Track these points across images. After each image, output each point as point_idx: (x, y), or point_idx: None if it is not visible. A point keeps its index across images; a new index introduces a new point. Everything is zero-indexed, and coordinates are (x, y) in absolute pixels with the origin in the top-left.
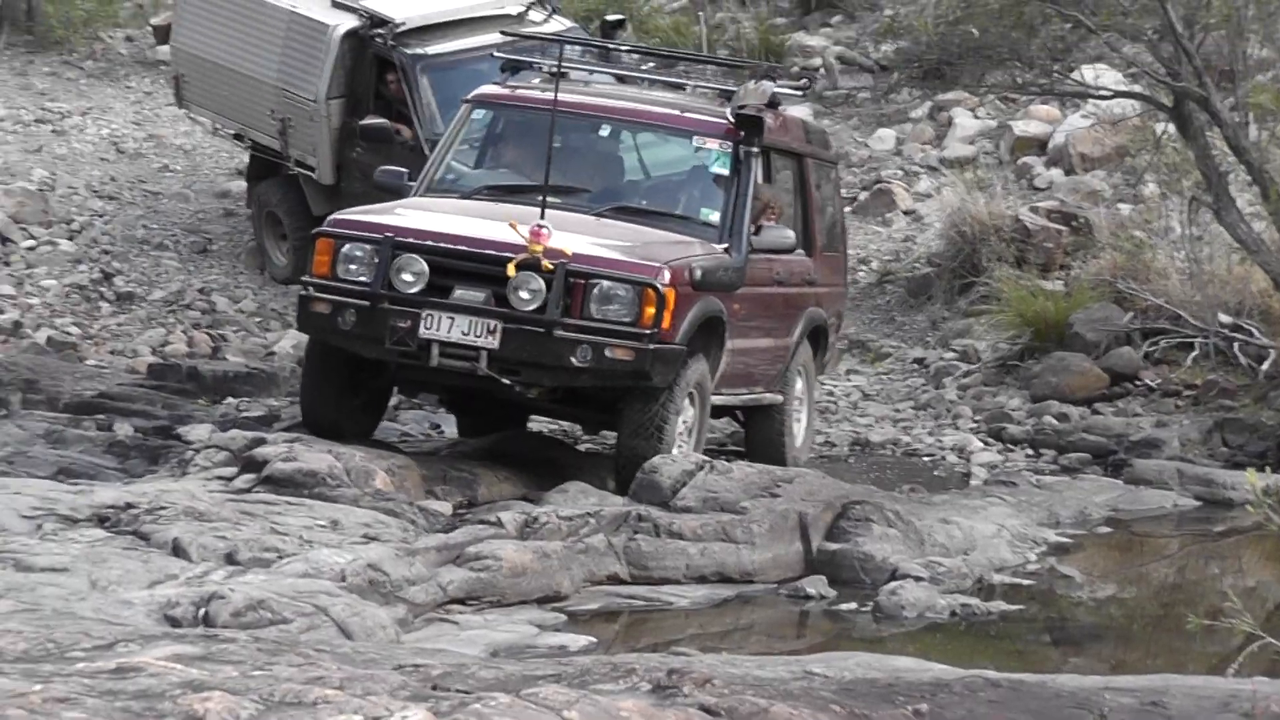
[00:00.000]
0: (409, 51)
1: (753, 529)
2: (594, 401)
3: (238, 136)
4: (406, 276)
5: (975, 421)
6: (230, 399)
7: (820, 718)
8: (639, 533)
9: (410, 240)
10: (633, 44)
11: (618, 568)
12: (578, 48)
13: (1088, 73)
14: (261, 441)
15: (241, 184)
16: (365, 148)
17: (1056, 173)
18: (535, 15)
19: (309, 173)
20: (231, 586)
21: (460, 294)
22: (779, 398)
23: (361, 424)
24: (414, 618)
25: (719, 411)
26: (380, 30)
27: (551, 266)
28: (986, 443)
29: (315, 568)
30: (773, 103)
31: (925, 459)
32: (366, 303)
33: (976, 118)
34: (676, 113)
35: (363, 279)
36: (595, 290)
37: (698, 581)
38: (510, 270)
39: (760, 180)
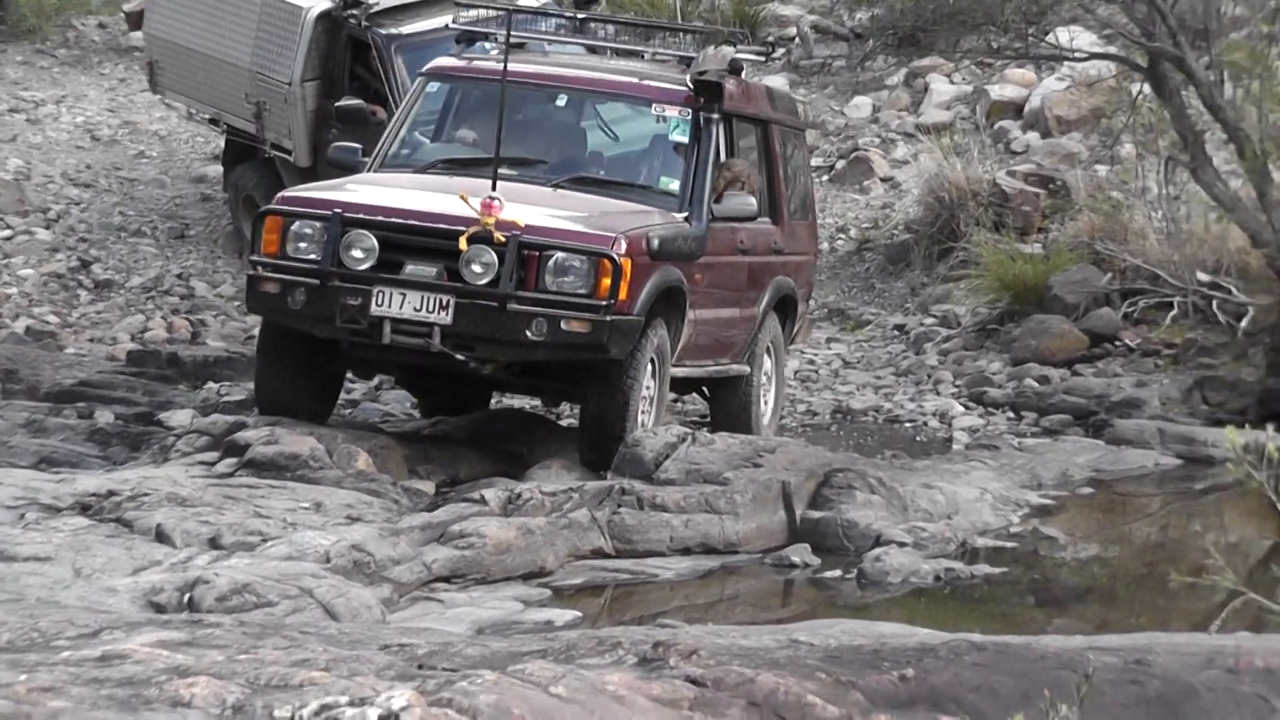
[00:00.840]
0: (383, 32)
1: (736, 499)
2: (553, 374)
3: (213, 121)
4: (356, 253)
5: (956, 386)
6: (210, 384)
7: (806, 685)
8: (622, 506)
9: (359, 216)
10: (591, 13)
11: (602, 542)
12: (540, 19)
13: (1062, 35)
14: (242, 425)
15: (218, 168)
16: (341, 129)
17: (1033, 136)
18: None
19: (285, 155)
20: (216, 571)
21: (411, 269)
22: (746, 369)
23: (317, 407)
24: (399, 597)
25: (685, 386)
26: (354, 11)
27: (504, 239)
28: (968, 407)
29: (299, 550)
30: (735, 69)
31: (907, 425)
32: (316, 281)
33: (952, 83)
34: (635, 80)
35: (312, 257)
36: (550, 262)
37: (682, 553)
38: (462, 244)
39: (722, 147)
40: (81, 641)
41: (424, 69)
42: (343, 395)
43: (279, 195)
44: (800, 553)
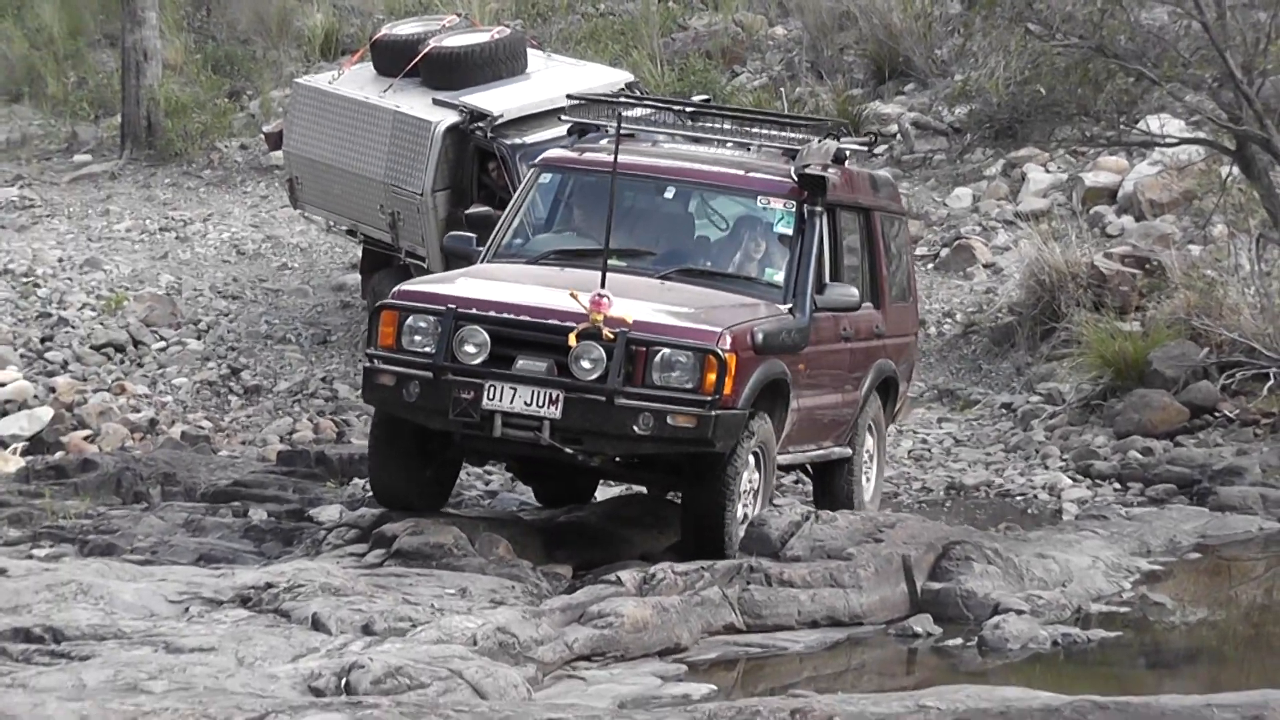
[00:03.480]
0: (508, 142)
1: (859, 573)
2: (659, 465)
3: (350, 232)
4: (469, 348)
5: (1064, 460)
6: (356, 480)
7: None
8: (751, 583)
9: (472, 311)
10: (697, 104)
11: (733, 618)
12: (648, 111)
13: (1153, 122)
14: (389, 518)
15: (356, 277)
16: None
17: (1127, 219)
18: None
19: (419, 263)
20: (370, 656)
21: (522, 364)
22: (848, 451)
23: (432, 495)
24: (543, 676)
25: (788, 467)
26: (480, 123)
27: (612, 335)
28: (1076, 479)
29: (448, 634)
30: (839, 158)
31: (1018, 499)
32: (430, 374)
33: (1048, 172)
34: (741, 173)
35: (427, 350)
36: (657, 357)
37: (810, 626)
38: (572, 340)
39: (825, 239)
40: None
41: (536, 160)
42: (481, 485)
43: (395, 289)
44: (922, 623)
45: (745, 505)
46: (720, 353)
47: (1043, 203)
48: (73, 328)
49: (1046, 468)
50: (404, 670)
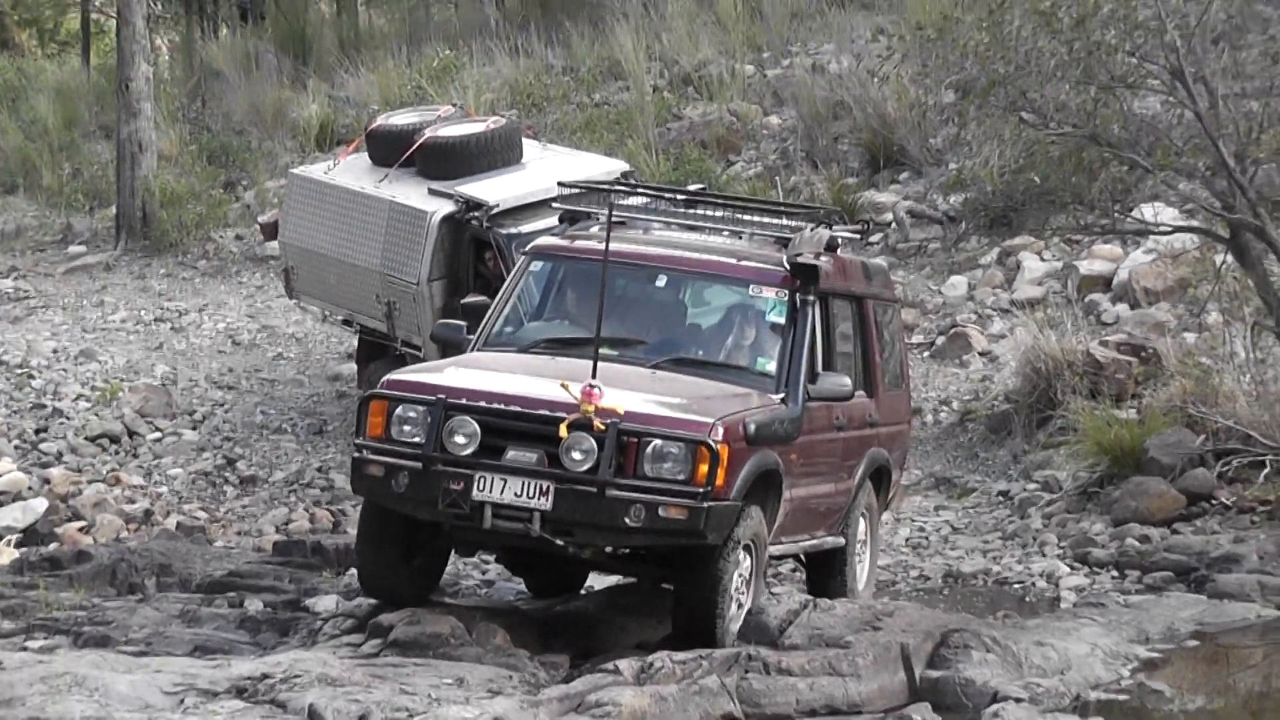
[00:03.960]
0: (504, 232)
1: (858, 662)
2: (650, 557)
3: (346, 322)
4: (459, 438)
5: (1061, 548)
6: (353, 569)
7: None
8: (750, 671)
9: (463, 401)
10: (691, 192)
11: (731, 706)
12: (639, 199)
13: (1147, 211)
14: (385, 608)
15: (352, 366)
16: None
17: (1122, 307)
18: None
19: (415, 352)
20: None
21: (513, 455)
22: (840, 540)
23: (419, 586)
24: None
25: (781, 557)
26: (475, 213)
27: (604, 426)
28: (1073, 567)
29: None
30: (831, 246)
31: (1016, 586)
32: (420, 464)
33: (1043, 260)
34: (733, 261)
35: (416, 440)
36: (649, 448)
37: (808, 715)
38: (563, 431)
39: (818, 327)
40: None
41: (527, 248)
42: (478, 574)
43: (384, 379)
44: (921, 711)
45: (739, 595)
46: (713, 444)
47: (1038, 290)
48: (67, 419)
49: (1044, 555)
50: None
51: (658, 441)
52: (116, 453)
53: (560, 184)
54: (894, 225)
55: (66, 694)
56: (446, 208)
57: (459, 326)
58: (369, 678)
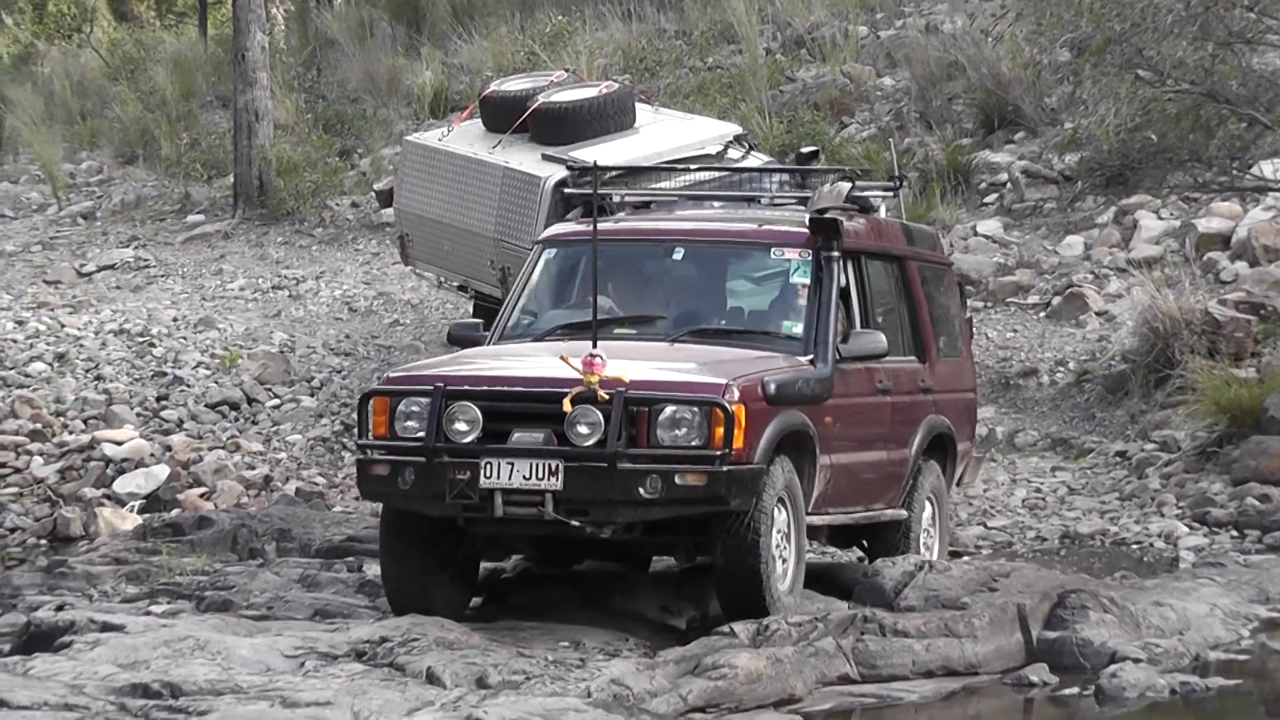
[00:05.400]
0: (615, 198)
1: (974, 623)
2: (680, 531)
3: (461, 288)
4: (460, 425)
5: (1179, 508)
6: None
7: None
8: (865, 634)
9: (463, 387)
10: (703, 164)
11: (847, 668)
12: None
13: (1266, 167)
14: (502, 571)
15: None
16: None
17: (1241, 265)
18: (733, 153)
19: None
20: (485, 709)
21: (518, 437)
22: (903, 513)
23: (453, 599)
24: None
25: (844, 539)
26: (587, 179)
27: (607, 396)
28: (1192, 527)
29: (562, 687)
30: (866, 207)
31: (1134, 547)
32: (423, 458)
33: (1160, 219)
34: (753, 227)
35: (420, 435)
36: (660, 416)
37: (924, 677)
38: (566, 405)
39: (851, 285)
40: None
41: (540, 237)
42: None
43: (384, 375)
44: (1038, 672)
45: (781, 552)
46: (727, 405)
47: (1155, 249)
48: (188, 386)
49: (1162, 515)
50: None
51: (670, 408)
52: (236, 419)
53: (570, 168)
54: (1009, 186)
55: (189, 657)
56: (559, 173)
57: (475, 325)
58: (486, 641)
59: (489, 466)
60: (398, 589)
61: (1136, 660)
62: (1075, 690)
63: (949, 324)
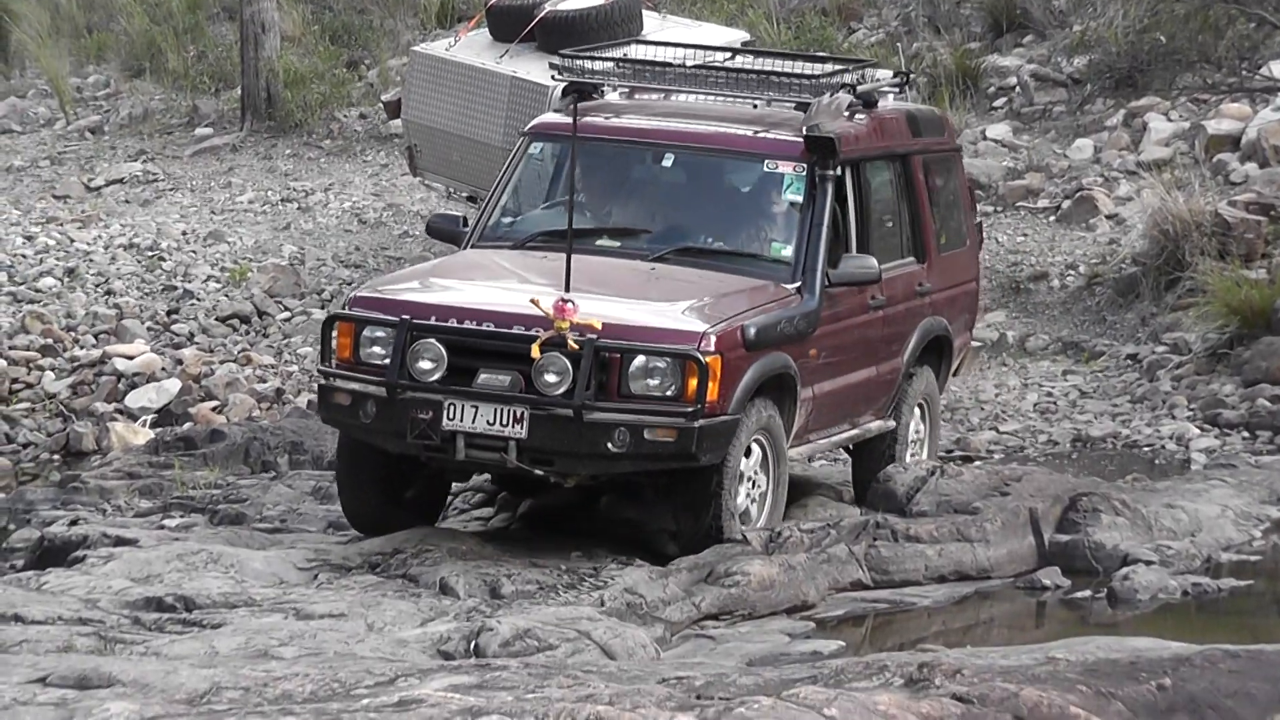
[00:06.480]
0: None
1: (986, 527)
2: (648, 481)
3: (470, 198)
4: (424, 364)
5: (1191, 410)
6: None
7: (1068, 698)
8: (878, 539)
9: (430, 320)
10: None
11: (860, 574)
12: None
13: (1275, 67)
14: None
15: None
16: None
17: (1251, 167)
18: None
19: None
20: (498, 619)
21: (484, 379)
22: (890, 424)
23: (416, 518)
24: (671, 636)
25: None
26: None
27: (578, 345)
28: (1203, 429)
29: (576, 596)
30: (870, 101)
31: (1145, 449)
32: (384, 393)
33: (1170, 120)
34: (748, 134)
35: (383, 362)
36: (631, 365)
37: (937, 581)
38: (535, 351)
39: (850, 201)
40: (379, 689)
41: (526, 128)
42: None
43: (350, 296)
44: (1051, 575)
45: (753, 503)
46: (701, 357)
47: (1165, 152)
48: (198, 300)
49: (1174, 418)
50: (532, 632)
51: (641, 358)
52: (247, 333)
53: (560, 53)
54: (1018, 89)
55: (203, 570)
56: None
57: (455, 219)
58: (499, 551)
59: (452, 408)
60: (355, 510)
61: (1148, 562)
62: (1087, 593)
63: (953, 214)
